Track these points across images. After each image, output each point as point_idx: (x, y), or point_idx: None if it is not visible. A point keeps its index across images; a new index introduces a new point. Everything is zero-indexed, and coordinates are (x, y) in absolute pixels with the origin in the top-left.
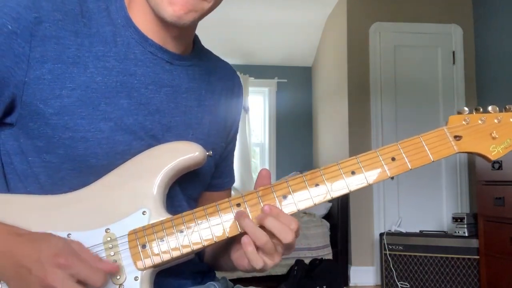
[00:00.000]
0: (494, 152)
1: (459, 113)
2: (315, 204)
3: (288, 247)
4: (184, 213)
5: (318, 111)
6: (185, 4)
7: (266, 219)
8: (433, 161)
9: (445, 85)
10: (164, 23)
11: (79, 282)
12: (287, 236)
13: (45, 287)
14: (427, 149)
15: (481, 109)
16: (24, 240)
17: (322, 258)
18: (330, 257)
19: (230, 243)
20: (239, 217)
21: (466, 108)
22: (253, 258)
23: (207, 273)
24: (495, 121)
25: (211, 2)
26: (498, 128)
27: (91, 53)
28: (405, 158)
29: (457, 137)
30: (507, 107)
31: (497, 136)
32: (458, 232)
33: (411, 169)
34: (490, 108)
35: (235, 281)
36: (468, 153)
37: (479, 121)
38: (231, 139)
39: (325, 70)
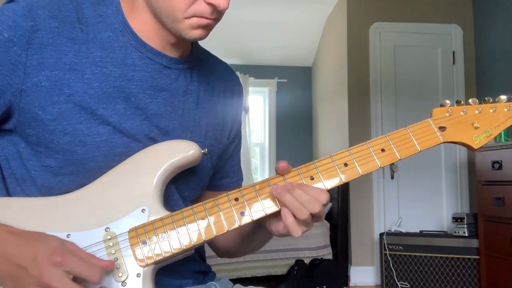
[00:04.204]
0: (477, 141)
1: (442, 105)
2: None
3: (318, 217)
4: (183, 209)
5: (318, 111)
6: (207, 28)
7: (294, 191)
8: (420, 150)
9: (445, 85)
10: (168, 31)
11: (76, 280)
12: (315, 207)
13: (41, 285)
14: (414, 139)
15: (462, 102)
16: (19, 239)
17: (322, 258)
18: (330, 257)
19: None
20: (280, 192)
21: (448, 101)
22: (293, 228)
23: (207, 273)
24: (476, 112)
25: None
26: (479, 119)
27: (88, 59)
28: (394, 149)
29: (441, 128)
30: (486, 99)
31: (478, 126)
32: (458, 232)
33: (400, 159)
34: (470, 100)
35: (235, 281)
36: (453, 143)
37: (461, 113)
38: (232, 139)
39: (325, 70)
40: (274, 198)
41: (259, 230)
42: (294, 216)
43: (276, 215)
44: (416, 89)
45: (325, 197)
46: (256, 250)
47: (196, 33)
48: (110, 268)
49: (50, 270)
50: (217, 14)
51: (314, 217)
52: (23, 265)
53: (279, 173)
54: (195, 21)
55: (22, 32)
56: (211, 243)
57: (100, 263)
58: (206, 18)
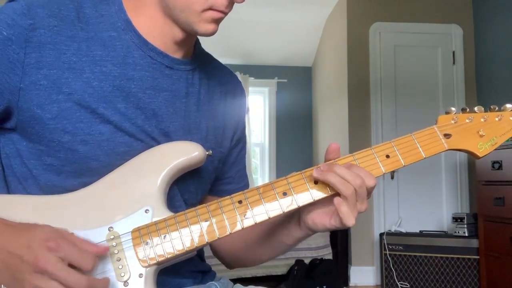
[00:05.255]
0: (482, 149)
1: (447, 113)
2: (314, 201)
3: (361, 198)
4: (186, 211)
5: (318, 111)
6: (218, 22)
7: (338, 168)
8: (425, 157)
9: (445, 85)
10: (178, 27)
11: (70, 266)
12: (356, 182)
13: (37, 271)
14: (419, 146)
15: (467, 109)
16: (13, 230)
17: (322, 258)
18: (330, 257)
19: (291, 216)
20: (322, 173)
21: (453, 108)
22: (347, 216)
23: (207, 272)
24: (482, 120)
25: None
26: (485, 127)
27: (88, 57)
28: (399, 155)
29: (446, 135)
30: (492, 107)
31: (484, 134)
32: (458, 232)
33: (404, 165)
34: (476, 108)
35: (235, 280)
36: (458, 150)
37: (467, 120)
38: (236, 142)
39: (325, 70)
40: (278, 201)
41: (279, 233)
42: (342, 197)
43: (321, 208)
44: (416, 89)
45: (371, 180)
46: (270, 258)
47: (209, 27)
48: (103, 254)
49: (45, 254)
50: (231, 7)
51: (359, 197)
52: (18, 253)
53: (331, 154)
54: (210, 14)
55: (21, 31)
56: (218, 252)
57: (93, 248)
58: (220, 11)
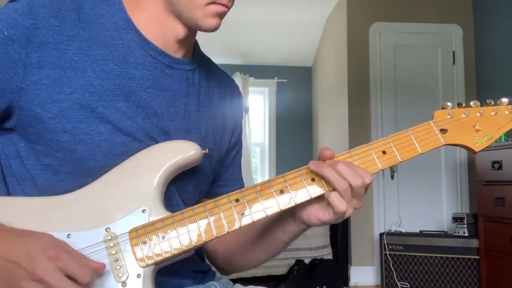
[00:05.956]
0: (478, 144)
1: (443, 108)
2: (311, 198)
3: (357, 194)
4: (184, 210)
5: (318, 111)
6: (221, 17)
7: (338, 165)
8: (421, 153)
9: (445, 85)
10: (180, 23)
11: (67, 277)
12: (356, 180)
13: (34, 280)
14: (415, 142)
15: (463, 104)
16: (10, 236)
17: (322, 258)
18: (330, 257)
19: (286, 212)
20: (319, 166)
21: (449, 103)
22: (337, 203)
23: (207, 272)
24: (478, 114)
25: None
26: (481, 121)
27: (89, 56)
28: (395, 151)
29: (443, 130)
30: (487, 101)
31: (480, 129)
32: (458, 232)
33: (401, 161)
34: (472, 103)
35: (235, 280)
36: (454, 145)
37: (463, 115)
38: (233, 145)
39: (325, 70)
40: (275, 198)
41: (274, 230)
42: (336, 190)
43: (315, 203)
44: (416, 89)
45: (368, 177)
46: (267, 259)
47: (213, 22)
48: (100, 270)
49: (43, 263)
50: (233, 1)
51: (354, 193)
52: (16, 260)
53: (325, 158)
54: (213, 8)
55: (22, 30)
56: (212, 255)
57: (91, 264)
58: (223, 4)
